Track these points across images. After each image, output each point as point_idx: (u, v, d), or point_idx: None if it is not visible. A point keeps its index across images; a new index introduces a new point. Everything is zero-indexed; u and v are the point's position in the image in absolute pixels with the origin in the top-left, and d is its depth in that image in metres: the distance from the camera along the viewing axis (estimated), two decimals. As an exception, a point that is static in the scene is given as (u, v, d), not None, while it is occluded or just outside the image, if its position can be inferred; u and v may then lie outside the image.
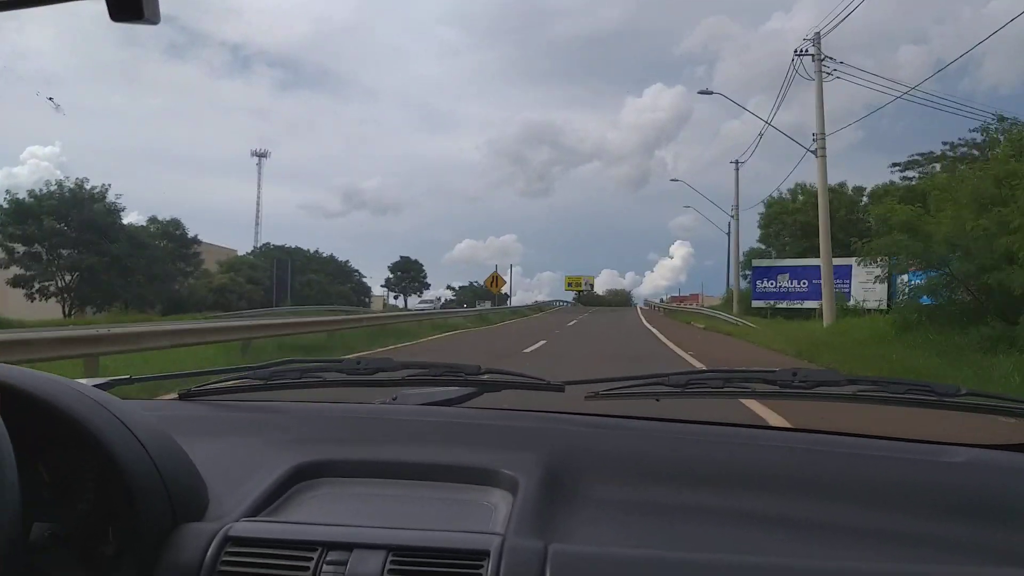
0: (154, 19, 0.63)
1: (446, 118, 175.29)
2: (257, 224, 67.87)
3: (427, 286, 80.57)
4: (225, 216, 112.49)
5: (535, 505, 0.87)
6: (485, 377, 1.34)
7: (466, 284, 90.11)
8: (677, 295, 75.87)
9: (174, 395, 1.40)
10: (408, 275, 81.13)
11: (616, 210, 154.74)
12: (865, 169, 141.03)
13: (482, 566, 0.73)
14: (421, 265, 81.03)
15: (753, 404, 4.96)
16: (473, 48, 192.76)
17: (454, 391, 1.38)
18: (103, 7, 0.61)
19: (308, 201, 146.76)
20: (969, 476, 1.02)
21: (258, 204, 68.18)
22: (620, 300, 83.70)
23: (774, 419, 4.84)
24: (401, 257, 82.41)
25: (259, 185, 70.37)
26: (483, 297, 65.29)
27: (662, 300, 67.01)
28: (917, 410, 1.18)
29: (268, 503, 0.88)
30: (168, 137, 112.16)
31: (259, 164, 70.16)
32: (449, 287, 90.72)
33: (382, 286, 76.60)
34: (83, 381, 1.00)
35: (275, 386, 1.35)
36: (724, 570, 0.74)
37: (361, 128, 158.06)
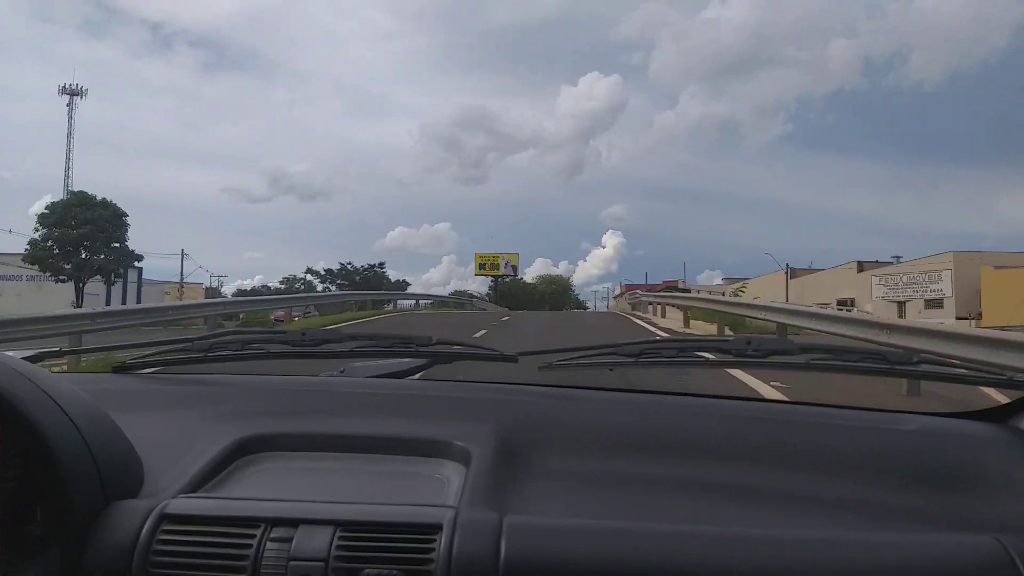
0: None
1: (379, 103, 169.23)
2: (67, 177, 49.37)
3: (137, 257, 37.90)
4: (148, 199, 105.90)
5: (489, 477, 0.85)
6: (436, 348, 1.31)
7: (337, 267, 58.54)
8: (643, 284, 50.28)
9: (108, 369, 1.34)
10: (80, 233, 34.41)
11: (550, 198, 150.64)
12: (793, 162, 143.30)
13: (435, 540, 0.70)
14: (123, 215, 36.30)
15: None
16: (407, 32, 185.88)
17: (405, 363, 1.35)
18: None
19: (232, 184, 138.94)
20: (921, 444, 1.03)
21: (69, 147, 51.26)
22: (558, 293, 60.68)
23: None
24: (71, 193, 39.86)
25: (70, 129, 51.33)
26: (362, 286, 46.58)
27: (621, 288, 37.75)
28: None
29: (208, 479, 0.85)
30: (83, 117, 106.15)
31: (70, 105, 52.19)
32: (310, 270, 60.30)
33: (24, 252, 34.95)
34: (10, 353, 0.94)
35: (215, 358, 1.29)
36: (679, 540, 0.73)
37: (290, 111, 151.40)
